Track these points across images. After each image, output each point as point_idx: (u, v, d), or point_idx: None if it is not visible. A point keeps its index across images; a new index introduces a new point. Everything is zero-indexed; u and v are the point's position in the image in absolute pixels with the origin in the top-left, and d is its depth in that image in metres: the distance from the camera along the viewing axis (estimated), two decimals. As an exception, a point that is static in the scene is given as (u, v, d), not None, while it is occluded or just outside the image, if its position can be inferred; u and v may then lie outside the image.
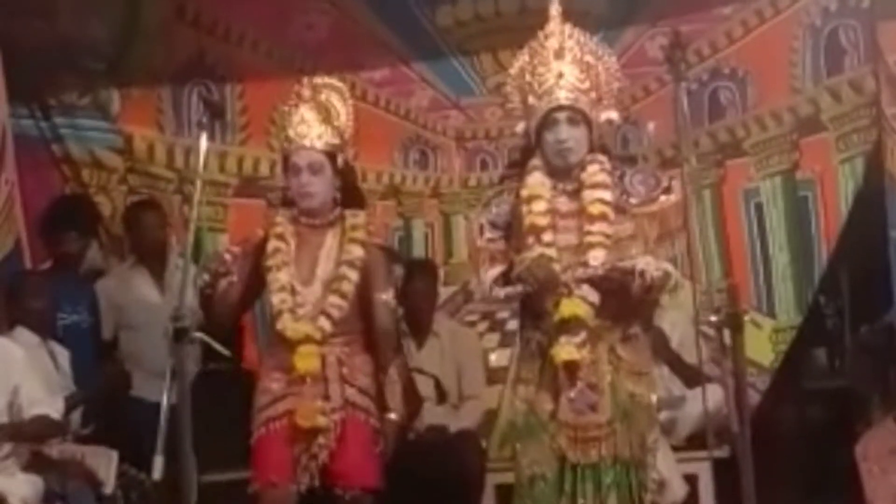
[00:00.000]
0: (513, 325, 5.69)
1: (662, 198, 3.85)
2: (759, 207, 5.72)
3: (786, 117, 5.67)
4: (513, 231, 3.88)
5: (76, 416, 5.00)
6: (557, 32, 3.93)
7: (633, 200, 3.85)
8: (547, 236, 3.80)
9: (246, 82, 5.87)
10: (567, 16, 5.70)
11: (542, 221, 3.81)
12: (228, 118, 5.77)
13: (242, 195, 5.90)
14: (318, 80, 4.22)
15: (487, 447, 5.52)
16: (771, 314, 5.66)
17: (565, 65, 3.85)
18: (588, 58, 3.92)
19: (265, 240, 4.16)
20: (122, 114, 5.84)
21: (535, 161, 3.90)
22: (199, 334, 3.61)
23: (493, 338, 5.81)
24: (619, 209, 3.83)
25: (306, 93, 4.14)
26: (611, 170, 3.86)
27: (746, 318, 3.59)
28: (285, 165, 4.17)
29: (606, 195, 3.82)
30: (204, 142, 3.71)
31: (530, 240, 3.80)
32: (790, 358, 5.61)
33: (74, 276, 5.54)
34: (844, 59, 5.54)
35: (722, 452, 4.28)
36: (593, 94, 3.88)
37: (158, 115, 5.86)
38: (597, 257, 3.78)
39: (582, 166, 3.85)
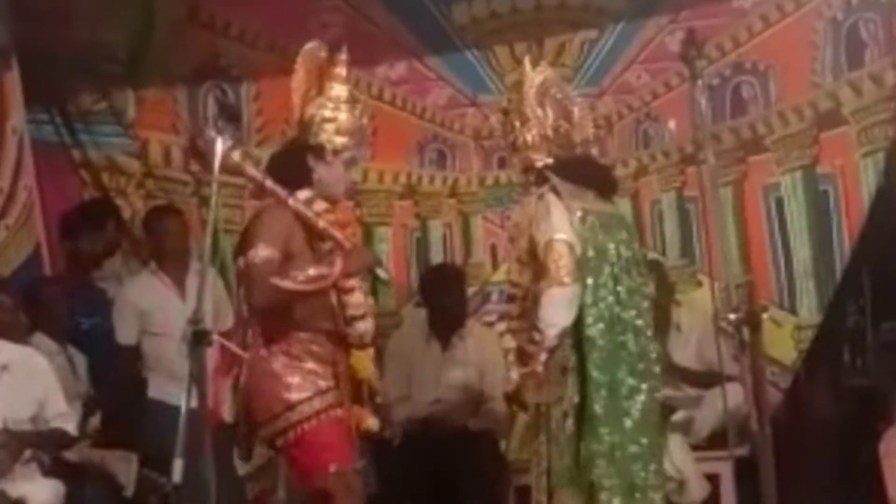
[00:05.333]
0: (530, 325, 5.68)
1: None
2: (779, 202, 5.68)
3: (807, 112, 5.62)
4: None
5: (95, 420, 5.04)
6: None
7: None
8: None
9: (262, 83, 5.87)
10: (585, 11, 5.81)
11: None
12: (245, 120, 5.77)
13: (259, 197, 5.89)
14: None
15: (507, 449, 5.52)
16: (793, 311, 5.61)
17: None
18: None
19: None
20: (139, 117, 5.85)
21: None
22: (216, 337, 3.60)
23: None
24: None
25: None
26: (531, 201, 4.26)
27: (766, 315, 3.57)
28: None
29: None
30: (219, 145, 3.69)
31: None
32: (812, 356, 5.56)
33: (92, 280, 5.57)
34: (865, 52, 5.51)
35: (744, 451, 4.25)
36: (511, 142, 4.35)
37: (174, 118, 5.87)
38: None
39: None
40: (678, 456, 5.04)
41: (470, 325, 5.55)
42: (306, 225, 3.93)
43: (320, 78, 4.08)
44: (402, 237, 5.98)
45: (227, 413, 3.99)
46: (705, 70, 3.87)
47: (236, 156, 3.88)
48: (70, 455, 4.70)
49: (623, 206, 5.80)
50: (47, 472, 4.58)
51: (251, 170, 3.99)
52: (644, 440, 4.13)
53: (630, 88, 5.85)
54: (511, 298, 4.37)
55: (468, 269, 5.87)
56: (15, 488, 4.42)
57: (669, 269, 5.67)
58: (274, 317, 3.92)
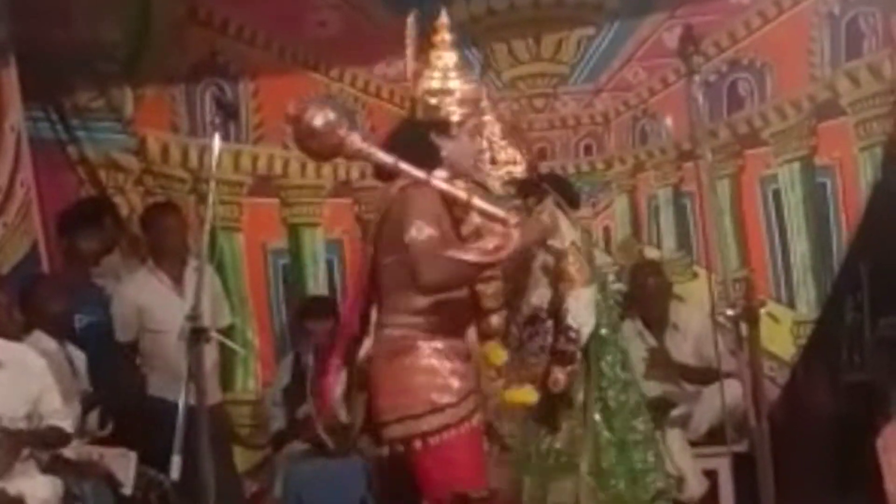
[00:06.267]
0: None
1: None
2: (776, 194, 5.68)
3: (805, 104, 5.62)
4: None
5: (94, 417, 5.03)
6: None
7: None
8: None
9: (259, 80, 5.87)
10: (582, 8, 5.81)
11: None
12: (242, 116, 5.77)
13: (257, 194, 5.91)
14: None
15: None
16: (791, 305, 5.62)
17: None
18: None
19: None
20: (137, 115, 5.83)
21: None
22: (215, 334, 3.60)
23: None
24: None
25: None
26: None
27: (764, 310, 3.59)
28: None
29: None
30: (217, 142, 3.68)
31: None
32: (809, 352, 5.57)
33: (90, 277, 5.57)
34: (863, 43, 5.51)
35: (742, 447, 4.26)
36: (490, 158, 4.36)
37: (172, 115, 5.87)
38: None
39: None
40: (676, 452, 5.05)
41: None
42: (450, 205, 3.61)
43: (425, 49, 3.88)
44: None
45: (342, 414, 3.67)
46: (702, 66, 3.91)
47: (357, 140, 3.61)
48: (68, 452, 4.69)
49: (620, 202, 5.85)
50: (45, 469, 4.57)
51: (379, 154, 3.63)
52: (642, 427, 4.34)
53: (627, 85, 5.85)
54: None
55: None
56: (13, 485, 4.41)
57: (666, 262, 5.69)
58: (425, 307, 3.56)
